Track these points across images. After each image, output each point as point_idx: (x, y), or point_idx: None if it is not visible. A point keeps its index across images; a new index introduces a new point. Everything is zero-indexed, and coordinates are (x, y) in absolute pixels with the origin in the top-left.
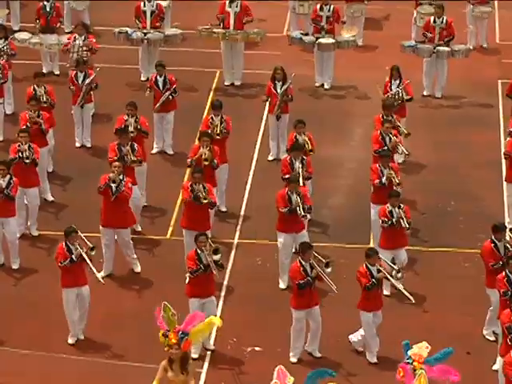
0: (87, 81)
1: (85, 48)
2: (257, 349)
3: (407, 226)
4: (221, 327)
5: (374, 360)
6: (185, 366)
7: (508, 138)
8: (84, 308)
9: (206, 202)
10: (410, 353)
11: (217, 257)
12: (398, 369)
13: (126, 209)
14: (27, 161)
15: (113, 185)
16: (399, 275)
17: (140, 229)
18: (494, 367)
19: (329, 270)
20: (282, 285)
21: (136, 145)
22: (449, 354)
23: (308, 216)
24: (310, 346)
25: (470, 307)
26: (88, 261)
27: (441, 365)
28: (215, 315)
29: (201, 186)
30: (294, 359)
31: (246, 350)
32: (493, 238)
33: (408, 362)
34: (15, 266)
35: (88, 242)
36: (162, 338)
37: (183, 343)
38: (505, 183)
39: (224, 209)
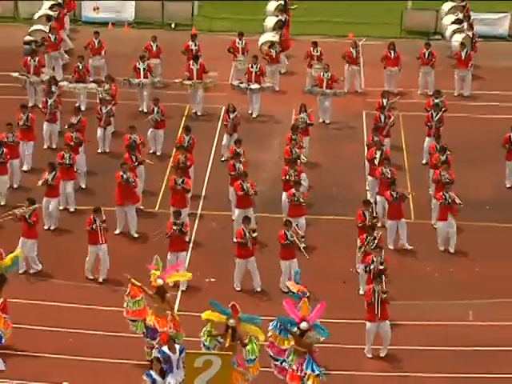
0: (104, 111)
1: (105, 93)
2: (212, 280)
3: (302, 202)
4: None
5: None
6: (164, 297)
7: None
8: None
9: (180, 187)
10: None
11: (175, 227)
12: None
13: (133, 192)
14: (65, 165)
15: (125, 176)
16: (303, 240)
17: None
18: (361, 292)
19: (254, 234)
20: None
21: (139, 154)
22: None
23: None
24: (254, 283)
25: (345, 254)
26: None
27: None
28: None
29: (182, 178)
30: (237, 288)
31: (205, 280)
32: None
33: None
34: (52, 227)
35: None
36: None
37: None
38: (369, 177)
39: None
